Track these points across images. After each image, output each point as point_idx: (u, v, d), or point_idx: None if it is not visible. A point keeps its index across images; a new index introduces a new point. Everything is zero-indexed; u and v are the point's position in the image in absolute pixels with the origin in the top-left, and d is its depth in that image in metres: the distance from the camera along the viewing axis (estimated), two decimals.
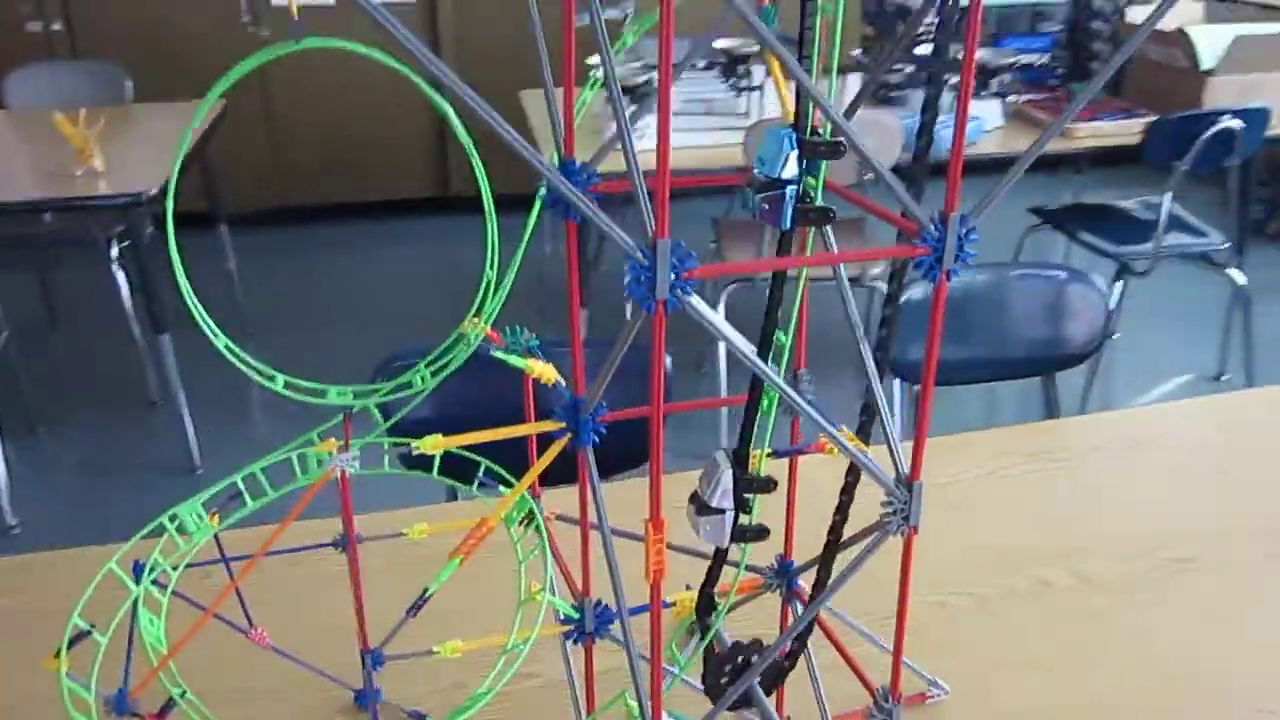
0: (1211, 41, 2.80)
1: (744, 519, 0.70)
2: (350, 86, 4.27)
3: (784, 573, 0.83)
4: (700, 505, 0.66)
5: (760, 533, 0.68)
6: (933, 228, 0.56)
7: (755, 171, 0.65)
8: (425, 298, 3.76)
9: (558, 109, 0.69)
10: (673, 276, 0.53)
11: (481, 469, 0.89)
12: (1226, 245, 2.90)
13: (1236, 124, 2.61)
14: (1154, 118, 2.70)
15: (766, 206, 0.62)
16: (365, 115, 4.32)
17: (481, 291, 0.82)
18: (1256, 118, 2.65)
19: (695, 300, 0.53)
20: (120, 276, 2.77)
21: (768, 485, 0.67)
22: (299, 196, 4.36)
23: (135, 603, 0.75)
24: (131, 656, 0.75)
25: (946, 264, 0.57)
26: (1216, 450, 1.34)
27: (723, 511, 0.66)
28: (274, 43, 0.64)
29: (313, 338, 3.44)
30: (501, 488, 0.89)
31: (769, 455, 0.70)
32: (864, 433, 0.67)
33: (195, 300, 0.71)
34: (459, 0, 4.21)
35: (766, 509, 0.74)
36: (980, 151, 2.68)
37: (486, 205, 0.79)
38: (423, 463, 0.82)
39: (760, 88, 2.80)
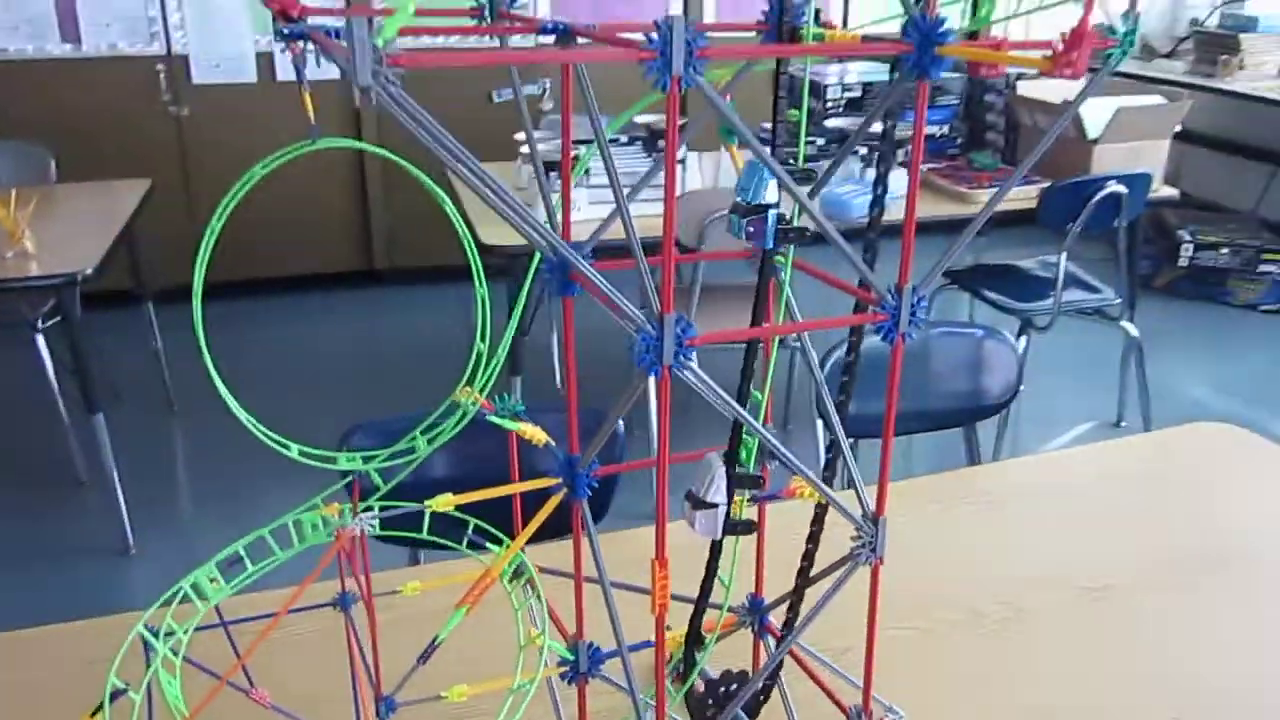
0: (1096, 113, 3.02)
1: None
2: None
3: (755, 610, 0.91)
4: (696, 501, 0.73)
5: (749, 526, 0.76)
6: (890, 297, 0.66)
7: (737, 199, 0.74)
8: (352, 371, 3.78)
9: (548, 195, 0.78)
10: (676, 346, 0.61)
11: (470, 527, 0.96)
12: (1119, 300, 3.11)
13: (1122, 189, 2.82)
14: (1048, 184, 2.90)
15: (751, 229, 0.71)
16: (287, 191, 4.34)
17: (472, 363, 0.89)
18: (1139, 182, 2.87)
19: (694, 365, 0.62)
20: (47, 357, 2.76)
21: (750, 527, 0.75)
22: (221, 272, 4.34)
23: (155, 665, 0.79)
24: (153, 715, 0.79)
25: (902, 328, 0.67)
26: (1120, 490, 1.46)
27: (716, 505, 0.73)
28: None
29: (251, 404, 3.43)
30: (489, 544, 0.96)
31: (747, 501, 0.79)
32: (830, 470, 0.76)
33: (218, 374, 0.77)
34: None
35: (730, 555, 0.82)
36: (892, 217, 2.84)
37: (478, 284, 0.87)
38: (405, 523, 0.89)
39: (683, 161, 2.93)
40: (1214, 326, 4.25)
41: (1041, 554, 1.30)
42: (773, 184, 0.72)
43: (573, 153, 0.93)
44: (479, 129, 4.29)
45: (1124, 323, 3.16)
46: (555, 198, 0.78)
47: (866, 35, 0.65)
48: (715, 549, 0.84)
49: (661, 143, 3.09)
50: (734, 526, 0.74)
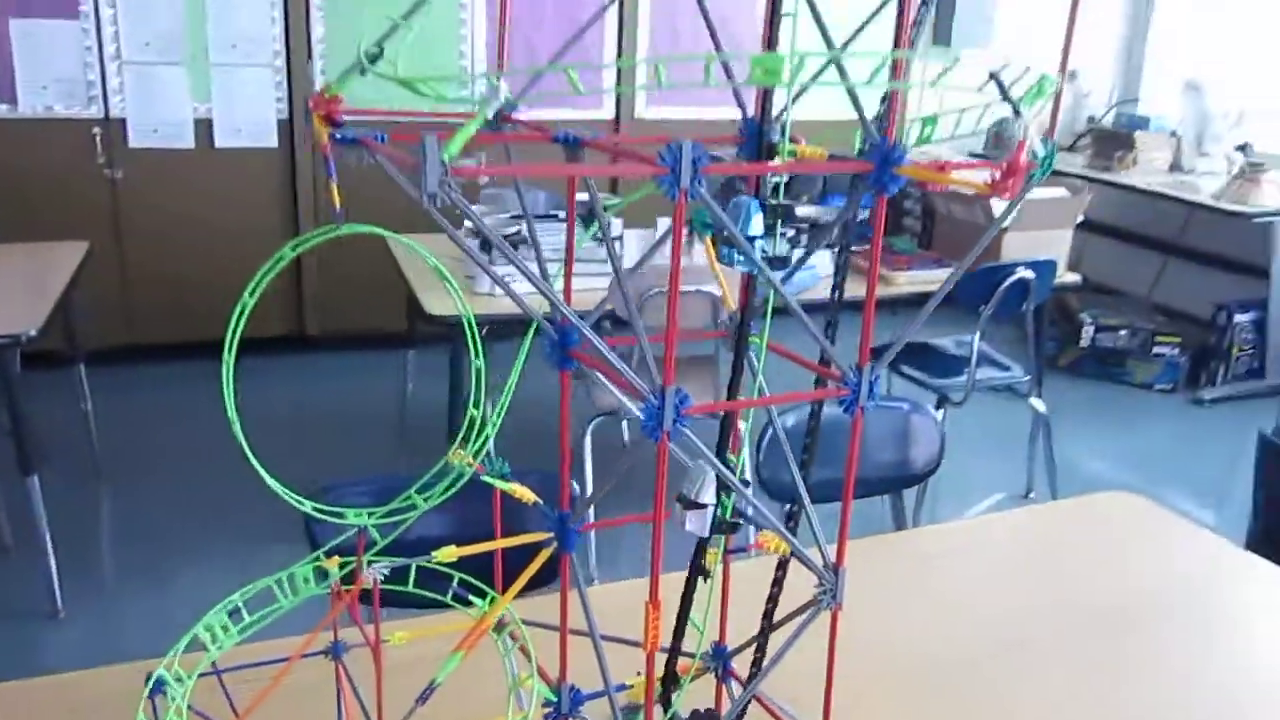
0: (1005, 203, 3.24)
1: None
2: (202, 227, 4.32)
3: (719, 656, 1.00)
4: (687, 503, 0.81)
5: (733, 526, 0.85)
6: (851, 374, 0.77)
7: (725, 234, 0.83)
8: (288, 435, 3.79)
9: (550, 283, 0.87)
10: (675, 415, 0.71)
11: (455, 580, 1.03)
12: (1028, 378, 3.31)
13: (1030, 274, 3.03)
14: None
15: (741, 257, 0.80)
16: (218, 255, 4.36)
17: (465, 427, 0.98)
18: (1046, 269, 3.08)
19: (688, 432, 0.72)
20: None
21: (734, 527, 0.84)
22: (153, 335, 4.34)
23: (171, 710, 0.85)
24: None
25: (862, 402, 0.77)
26: (1036, 553, 1.59)
27: (705, 506, 0.81)
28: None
29: (171, 476, 3.41)
30: (472, 597, 1.03)
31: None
32: (794, 522, 0.85)
33: (243, 434, 0.84)
34: (316, 151, 4.37)
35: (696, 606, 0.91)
36: (815, 296, 3.00)
37: (474, 354, 0.96)
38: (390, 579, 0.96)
39: (620, 237, 3.06)
40: (1114, 404, 4.50)
41: (967, 608, 1.42)
42: (757, 218, 0.82)
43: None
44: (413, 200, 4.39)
45: (1033, 399, 3.36)
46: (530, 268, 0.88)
47: (833, 154, 0.77)
48: (687, 599, 0.93)
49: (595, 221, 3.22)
50: (720, 525, 0.83)
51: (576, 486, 1.61)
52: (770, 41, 0.77)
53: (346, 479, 1.52)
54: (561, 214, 3.24)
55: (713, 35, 0.84)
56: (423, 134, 0.59)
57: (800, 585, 0.85)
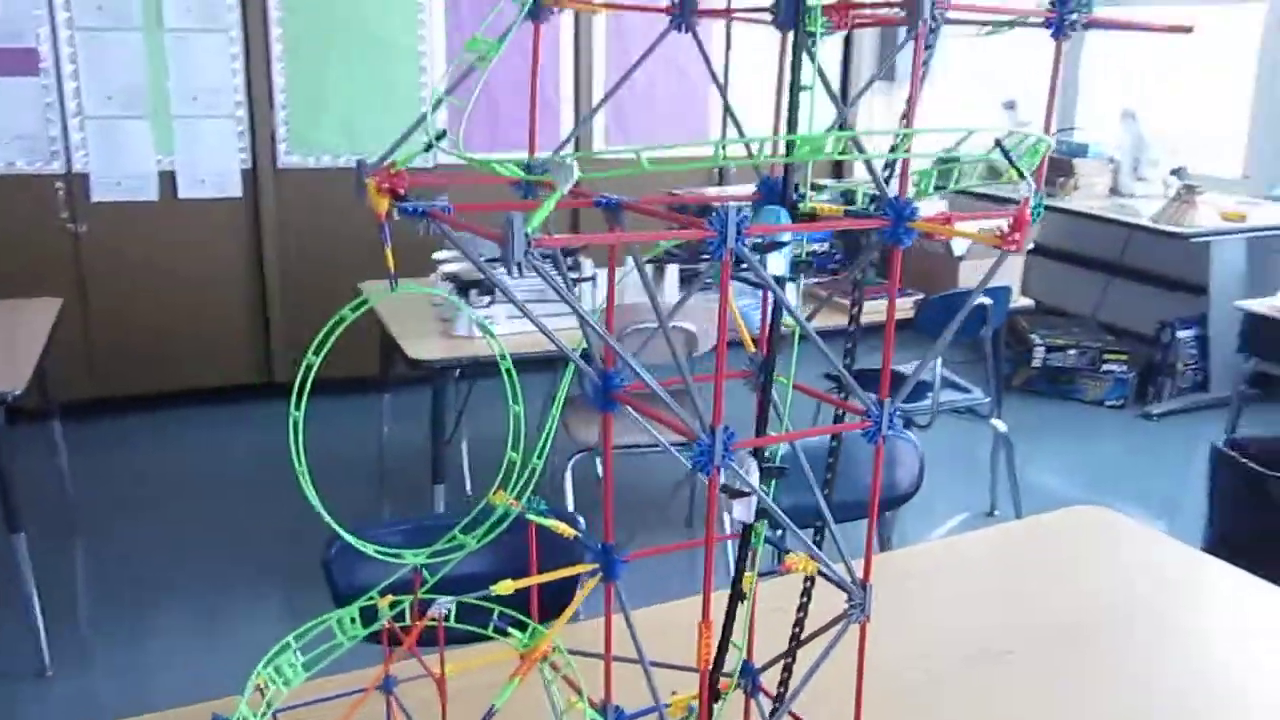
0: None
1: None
2: (167, 278, 4.33)
3: (747, 673, 1.07)
4: (732, 492, 0.88)
5: (781, 471, 0.93)
6: (874, 408, 0.85)
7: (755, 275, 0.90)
8: (259, 484, 3.80)
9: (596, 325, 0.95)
10: (724, 450, 0.78)
11: (495, 614, 1.09)
12: (988, 399, 3.43)
13: (987, 300, 3.15)
14: (921, 296, 3.22)
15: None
16: (184, 306, 4.38)
17: (504, 469, 1.04)
18: (1001, 294, 3.21)
19: (736, 465, 0.79)
20: None
21: (782, 470, 0.92)
22: (120, 387, 4.32)
23: None
24: None
25: (884, 431, 0.86)
26: (1011, 568, 1.68)
27: (750, 494, 0.88)
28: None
29: (148, 528, 3.41)
30: (510, 629, 1.10)
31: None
32: (820, 537, 0.93)
33: (308, 480, 0.90)
34: (280, 200, 4.39)
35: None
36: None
37: (513, 401, 1.03)
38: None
39: (592, 278, 3.14)
40: (1067, 421, 4.65)
41: (947, 623, 1.50)
42: (775, 259, 0.89)
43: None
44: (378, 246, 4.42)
45: (993, 420, 3.48)
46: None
47: (849, 210, 0.86)
48: (730, 620, 1.00)
49: (570, 260, 3.30)
50: (762, 513, 0.90)
51: (582, 521, 1.68)
52: (791, 113, 0.85)
53: (369, 523, 1.57)
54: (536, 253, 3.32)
55: (727, 111, 0.92)
56: (509, 211, 0.67)
57: (821, 604, 0.93)
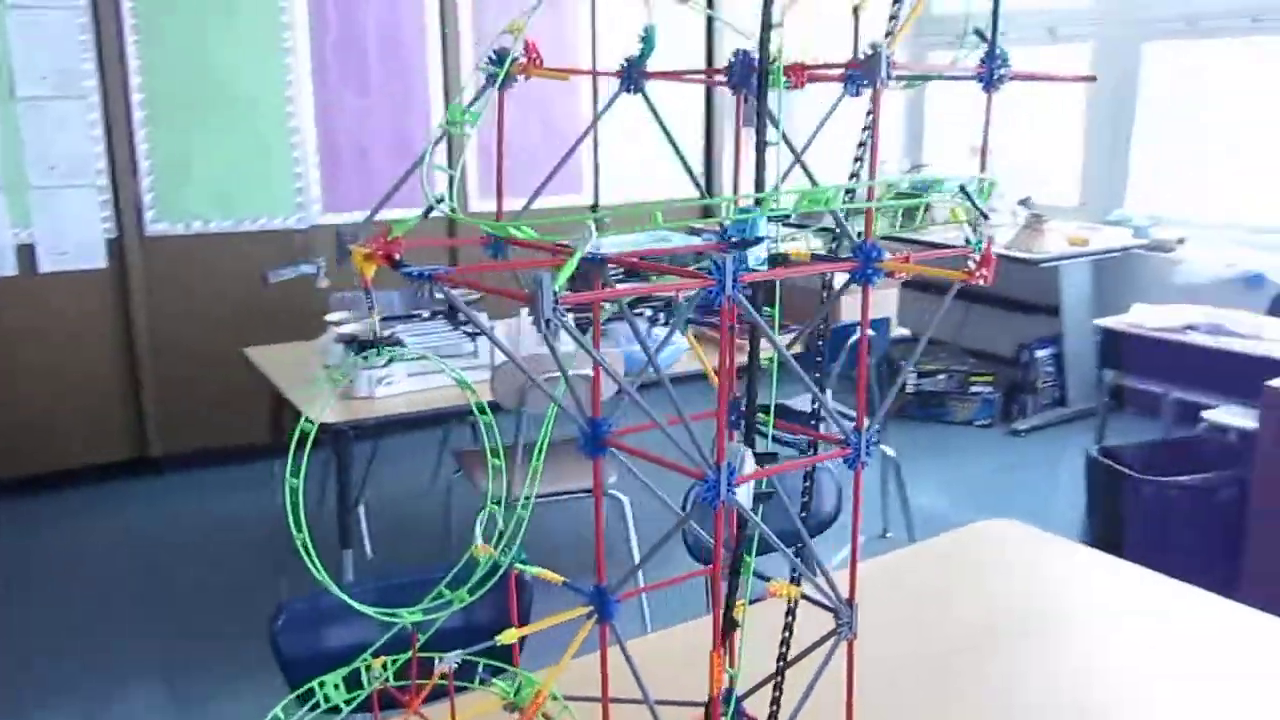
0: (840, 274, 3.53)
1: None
2: (27, 356, 4.13)
3: (727, 700, 1.11)
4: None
5: (769, 496, 0.97)
6: (852, 436, 0.91)
7: (731, 239, 0.95)
8: (145, 568, 3.64)
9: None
10: (728, 486, 0.83)
11: (481, 665, 1.11)
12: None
13: (871, 332, 3.30)
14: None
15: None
16: (47, 385, 4.18)
17: (484, 524, 1.06)
18: (882, 325, 3.37)
19: (739, 499, 0.84)
20: None
21: (769, 496, 0.96)
22: None
23: None
24: None
25: (862, 458, 0.92)
26: (939, 581, 1.78)
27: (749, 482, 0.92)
28: None
29: (24, 618, 3.23)
30: (493, 678, 1.11)
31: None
32: (804, 556, 0.99)
33: (311, 552, 0.91)
34: (149, 269, 4.24)
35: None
36: (686, 369, 3.19)
37: (496, 455, 1.05)
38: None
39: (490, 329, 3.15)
40: (941, 442, 4.87)
41: (895, 636, 1.58)
42: (763, 221, 0.95)
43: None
44: (260, 305, 4.29)
45: (881, 446, 3.63)
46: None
47: (817, 255, 0.93)
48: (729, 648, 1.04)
49: (460, 316, 3.31)
50: (760, 497, 0.95)
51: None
52: (758, 171, 0.92)
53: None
54: (425, 313, 3.32)
55: (684, 163, 0.98)
56: (538, 270, 0.70)
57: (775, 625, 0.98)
